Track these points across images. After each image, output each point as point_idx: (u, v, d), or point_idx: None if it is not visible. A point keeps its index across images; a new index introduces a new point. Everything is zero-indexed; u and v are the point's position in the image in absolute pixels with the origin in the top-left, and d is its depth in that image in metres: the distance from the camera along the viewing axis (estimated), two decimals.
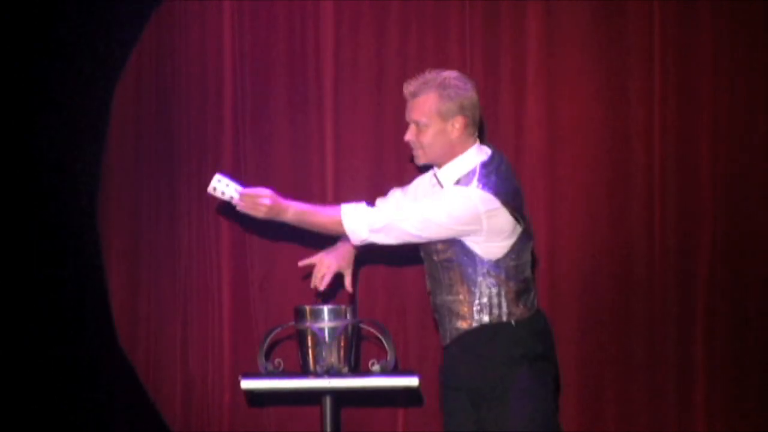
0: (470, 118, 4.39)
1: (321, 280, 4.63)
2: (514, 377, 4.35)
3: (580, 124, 5.75)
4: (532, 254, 4.49)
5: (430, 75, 4.41)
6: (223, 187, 4.38)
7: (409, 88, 4.42)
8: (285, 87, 5.76)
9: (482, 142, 4.45)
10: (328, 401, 4.52)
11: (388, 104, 5.73)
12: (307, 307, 4.54)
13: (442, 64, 5.68)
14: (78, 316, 5.72)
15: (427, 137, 4.42)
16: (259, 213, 4.39)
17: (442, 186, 4.44)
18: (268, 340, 4.56)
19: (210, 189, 4.40)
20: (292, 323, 4.57)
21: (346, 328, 4.51)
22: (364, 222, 4.38)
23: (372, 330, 4.63)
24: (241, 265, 5.76)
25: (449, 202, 4.33)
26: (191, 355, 5.76)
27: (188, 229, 5.76)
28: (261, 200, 4.37)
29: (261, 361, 4.52)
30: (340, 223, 4.40)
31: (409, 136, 4.45)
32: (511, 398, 4.34)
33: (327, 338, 4.48)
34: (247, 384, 4.48)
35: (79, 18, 5.66)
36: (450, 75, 4.41)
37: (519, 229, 4.37)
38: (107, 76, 5.76)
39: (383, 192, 5.71)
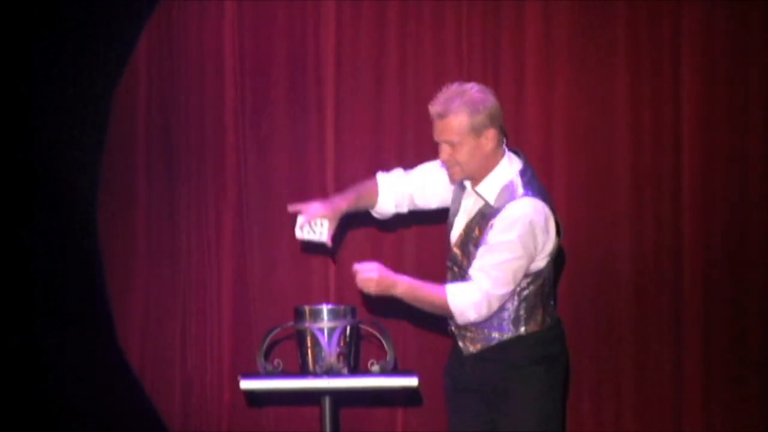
0: (500, 128, 4.38)
1: (305, 225, 4.57)
2: (529, 378, 4.36)
3: (578, 125, 5.75)
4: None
5: (452, 92, 4.36)
6: (310, 233, 4.37)
7: (436, 108, 4.35)
8: (285, 87, 5.77)
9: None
10: (327, 401, 4.52)
11: (388, 105, 5.73)
12: (307, 308, 4.54)
13: (442, 64, 5.70)
14: (78, 316, 5.72)
15: (464, 155, 4.37)
16: (368, 289, 4.38)
17: (485, 200, 4.40)
18: (268, 340, 4.56)
19: (298, 235, 4.39)
20: (291, 323, 4.57)
21: (345, 328, 4.51)
22: (468, 304, 4.33)
23: (371, 330, 4.63)
24: (240, 265, 5.76)
25: (512, 231, 4.28)
26: (190, 355, 5.76)
27: (188, 229, 5.76)
28: (368, 275, 4.35)
29: (260, 361, 4.52)
30: (446, 304, 4.35)
31: (444, 156, 4.39)
32: (522, 398, 4.35)
33: (326, 338, 4.48)
34: (246, 384, 4.48)
35: (79, 18, 5.66)
36: (472, 89, 4.38)
37: (556, 240, 4.37)
38: (107, 76, 5.77)
39: None
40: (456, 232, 4.50)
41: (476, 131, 4.35)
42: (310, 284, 5.75)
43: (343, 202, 4.63)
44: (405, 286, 4.40)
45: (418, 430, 5.78)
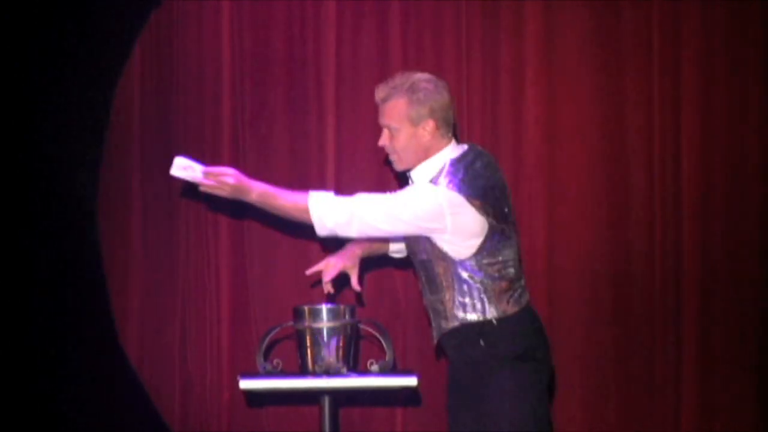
0: (441, 120, 4.39)
1: (328, 283, 4.63)
2: (493, 378, 4.34)
3: (578, 123, 5.76)
4: (519, 252, 4.47)
5: (399, 79, 4.41)
6: (184, 167, 4.36)
7: (379, 93, 4.41)
8: (284, 87, 5.77)
9: (459, 142, 4.44)
10: (326, 401, 4.53)
11: None
12: (306, 308, 4.55)
13: (441, 64, 5.71)
14: (78, 316, 5.72)
15: (400, 142, 4.42)
16: (224, 192, 4.37)
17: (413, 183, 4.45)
18: (267, 340, 4.56)
19: (172, 171, 4.38)
20: (290, 323, 4.57)
21: (344, 328, 4.51)
22: (330, 211, 4.34)
23: (371, 330, 4.64)
24: (239, 265, 5.77)
25: (415, 199, 4.33)
26: (190, 354, 5.77)
27: (187, 228, 5.77)
28: (225, 178, 4.35)
29: (260, 361, 4.52)
30: (306, 210, 4.36)
31: (383, 141, 4.45)
32: (490, 399, 4.33)
33: (326, 338, 4.48)
34: (245, 384, 4.48)
35: (79, 18, 5.66)
36: (420, 78, 4.40)
37: (488, 228, 4.34)
38: (107, 76, 5.77)
39: (382, 191, 5.73)
40: None
41: (413, 120, 4.38)
42: (309, 284, 5.75)
43: (358, 249, 4.70)
44: (260, 190, 4.37)
45: (418, 430, 5.78)
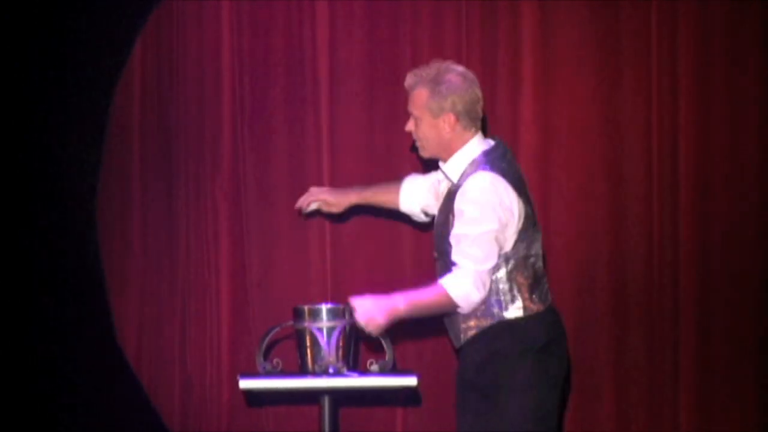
0: (462, 114, 4.37)
1: (306, 202, 4.71)
2: (517, 370, 4.34)
3: (576, 122, 5.76)
4: (543, 252, 4.47)
5: (428, 69, 4.41)
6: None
7: (407, 80, 4.44)
8: (282, 87, 5.77)
9: (486, 136, 4.45)
10: (326, 401, 4.53)
11: (385, 104, 5.74)
12: (306, 307, 4.55)
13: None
14: (77, 316, 5.72)
15: (422, 131, 4.43)
16: (378, 328, 4.36)
17: (450, 180, 4.43)
18: (267, 339, 4.56)
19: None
20: (290, 323, 4.57)
21: (344, 327, 4.51)
22: (470, 285, 4.29)
23: None
24: (239, 264, 5.77)
25: (474, 206, 4.29)
26: (190, 354, 5.77)
27: (187, 228, 5.77)
28: (373, 319, 4.32)
29: (259, 360, 4.52)
30: (450, 298, 4.31)
31: (408, 126, 4.47)
32: (511, 391, 4.33)
33: (325, 338, 4.48)
34: (245, 384, 4.48)
35: (78, 18, 5.66)
36: (448, 70, 4.40)
37: (524, 216, 4.33)
38: (107, 76, 5.77)
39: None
40: (436, 219, 4.54)
41: (433, 112, 4.38)
42: (309, 284, 5.75)
43: (353, 196, 4.75)
44: (405, 306, 4.34)
45: (418, 430, 5.78)
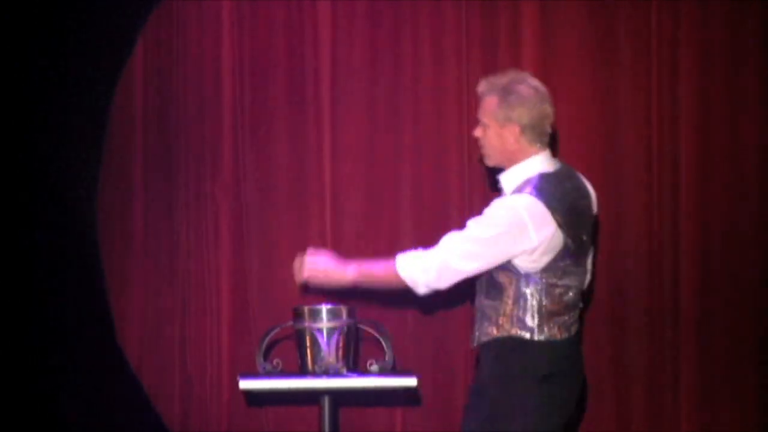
0: (528, 128, 4.36)
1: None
2: (523, 391, 4.32)
3: (576, 122, 5.76)
4: (584, 284, 4.44)
5: (502, 77, 4.41)
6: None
7: (479, 86, 4.45)
8: (283, 87, 5.77)
9: (555, 155, 4.44)
10: (326, 401, 4.53)
11: (385, 104, 5.74)
12: (306, 308, 4.55)
13: (440, 62, 5.70)
14: (77, 316, 5.72)
15: (488, 138, 4.42)
16: (319, 280, 4.42)
17: (503, 192, 4.42)
18: (267, 340, 4.57)
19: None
20: (290, 323, 4.58)
21: (344, 328, 4.51)
22: (418, 272, 4.32)
23: (370, 330, 4.64)
24: (239, 265, 5.77)
25: (491, 215, 4.30)
26: (190, 354, 5.77)
27: (187, 229, 5.77)
28: (313, 267, 4.39)
29: (259, 360, 4.53)
30: (398, 276, 4.34)
31: (476, 132, 4.47)
32: (514, 411, 4.31)
33: (325, 338, 4.49)
34: (245, 384, 4.49)
35: (78, 18, 5.67)
36: (520, 80, 4.39)
37: (562, 246, 4.30)
38: (107, 76, 5.77)
39: (379, 192, 5.74)
40: None
41: (500, 121, 4.37)
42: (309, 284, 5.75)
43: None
44: (353, 275, 4.40)
45: (418, 430, 5.78)
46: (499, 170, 4.47)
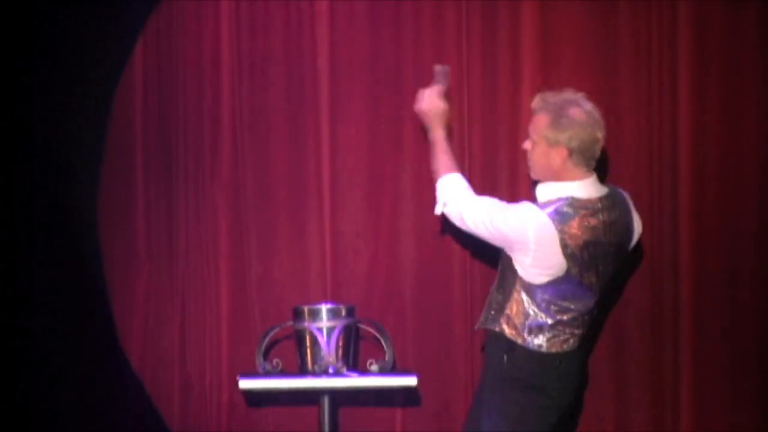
0: (576, 152, 4.40)
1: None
2: (501, 396, 4.35)
3: None
4: (593, 312, 4.51)
5: (556, 96, 4.46)
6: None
7: (533, 102, 4.52)
8: (282, 87, 5.76)
9: (605, 182, 4.52)
10: (326, 401, 4.54)
11: (385, 104, 5.73)
12: (306, 307, 4.56)
13: (440, 61, 5.69)
14: (77, 316, 5.72)
15: (535, 154, 4.49)
16: (429, 116, 4.73)
17: (536, 198, 4.50)
18: (267, 339, 4.57)
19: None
20: (290, 323, 4.59)
21: (344, 327, 4.52)
22: (446, 197, 4.53)
23: (370, 330, 4.64)
24: (239, 264, 5.76)
25: (512, 210, 4.41)
26: (189, 354, 5.76)
27: (186, 228, 5.76)
28: (435, 104, 4.71)
29: (259, 360, 4.53)
30: (436, 181, 4.60)
31: (525, 145, 4.55)
32: (493, 412, 4.34)
33: (325, 338, 4.49)
34: (245, 384, 4.50)
35: (78, 18, 5.66)
36: (575, 102, 4.43)
37: (565, 272, 4.36)
38: (107, 76, 5.76)
39: (379, 191, 5.73)
40: None
41: (549, 141, 4.41)
42: (308, 284, 5.75)
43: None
44: (437, 141, 4.70)
45: (418, 430, 5.78)
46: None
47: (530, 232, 4.30)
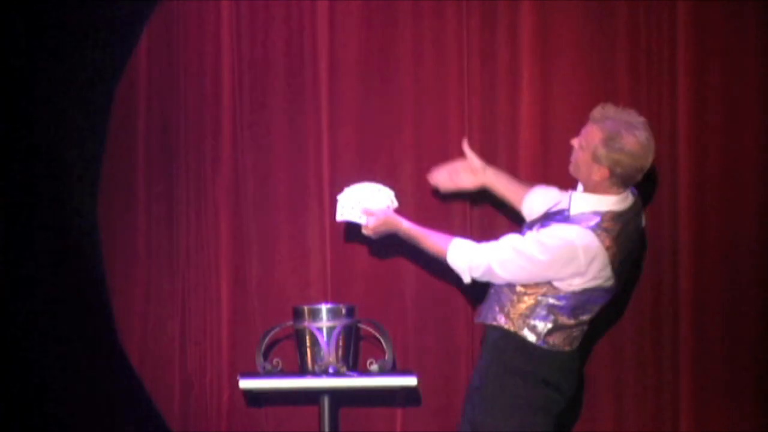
0: (618, 175, 4.40)
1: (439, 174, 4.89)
2: (523, 395, 4.36)
3: (575, 122, 5.74)
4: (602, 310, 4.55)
5: (618, 113, 4.44)
6: (347, 210, 4.44)
7: (594, 113, 4.48)
8: (282, 86, 5.76)
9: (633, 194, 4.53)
10: (326, 401, 4.54)
11: (385, 104, 5.74)
12: (306, 307, 4.56)
13: (439, 61, 5.70)
14: (78, 316, 5.72)
15: (579, 159, 4.50)
16: (374, 228, 4.53)
17: (570, 203, 4.48)
18: (267, 339, 4.58)
19: (338, 216, 4.46)
20: (290, 323, 4.59)
21: (344, 327, 4.52)
22: (466, 264, 4.41)
23: (370, 330, 4.65)
24: (239, 264, 5.76)
25: (550, 241, 4.35)
26: (190, 354, 5.76)
27: (187, 228, 5.76)
28: (374, 219, 4.50)
29: (259, 360, 4.53)
30: (446, 258, 4.45)
31: (574, 142, 4.54)
32: (499, 410, 4.36)
33: (325, 338, 4.49)
34: (245, 383, 4.50)
35: (79, 18, 5.66)
36: (632, 127, 4.40)
37: (603, 282, 4.39)
38: (107, 76, 5.76)
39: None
40: (528, 224, 4.61)
41: (595, 156, 4.40)
42: (309, 283, 5.75)
43: (494, 179, 4.91)
44: (410, 227, 4.54)
45: (418, 430, 5.78)
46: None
47: (580, 255, 4.31)
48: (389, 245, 5.75)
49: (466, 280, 4.44)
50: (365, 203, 4.42)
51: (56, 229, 5.71)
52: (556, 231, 4.38)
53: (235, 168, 5.76)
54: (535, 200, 4.82)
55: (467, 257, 4.39)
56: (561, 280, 4.35)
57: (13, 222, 5.65)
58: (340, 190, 5.69)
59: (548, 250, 4.32)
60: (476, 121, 5.73)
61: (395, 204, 4.45)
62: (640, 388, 5.76)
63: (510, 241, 4.40)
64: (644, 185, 5.74)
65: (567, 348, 4.44)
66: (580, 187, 4.59)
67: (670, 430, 5.75)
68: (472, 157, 4.89)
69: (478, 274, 4.39)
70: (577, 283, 4.37)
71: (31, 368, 5.65)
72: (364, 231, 4.49)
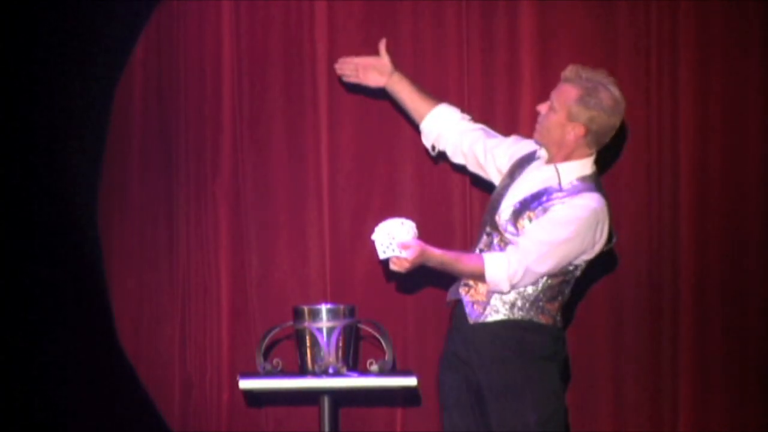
0: (593, 134, 4.40)
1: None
2: (541, 373, 4.40)
3: None
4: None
5: (591, 74, 4.41)
6: (386, 247, 4.38)
7: (566, 71, 4.44)
8: (282, 87, 5.77)
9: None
10: (326, 401, 4.54)
11: (384, 103, 5.74)
12: (306, 307, 4.56)
13: (440, 62, 5.70)
14: (77, 316, 5.72)
15: (550, 121, 4.43)
16: (408, 263, 4.38)
17: (559, 179, 4.44)
18: (267, 339, 4.58)
19: (380, 255, 4.40)
20: (290, 323, 4.58)
21: (344, 327, 4.52)
22: (505, 274, 4.37)
23: (370, 330, 4.65)
24: (239, 264, 5.77)
25: (568, 215, 4.35)
26: (189, 354, 5.77)
27: (187, 228, 5.77)
28: (407, 254, 4.36)
29: (259, 360, 4.53)
30: (483, 275, 4.39)
31: (541, 107, 4.49)
32: (534, 394, 4.38)
33: (325, 338, 4.49)
34: (245, 384, 4.49)
35: (78, 18, 5.67)
36: (607, 87, 4.39)
37: (602, 247, 4.44)
38: (107, 76, 5.77)
39: (376, 194, 5.74)
40: (510, 202, 4.50)
41: (571, 114, 4.37)
42: (308, 284, 5.75)
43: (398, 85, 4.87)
44: (440, 257, 4.41)
45: (418, 430, 5.78)
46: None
47: (601, 217, 4.35)
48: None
49: (506, 290, 4.39)
50: (399, 238, 4.36)
51: (56, 228, 5.71)
52: (568, 206, 4.37)
53: (235, 168, 5.77)
54: (502, 155, 4.75)
55: (503, 268, 4.34)
56: (592, 249, 4.39)
57: (13, 222, 5.66)
58: (340, 190, 5.71)
59: (573, 226, 4.33)
60: (475, 120, 5.74)
61: (417, 234, 4.41)
62: (640, 388, 5.77)
63: (531, 236, 4.36)
64: (645, 185, 5.77)
65: (561, 320, 4.52)
66: (543, 153, 4.55)
67: (670, 430, 5.76)
68: (384, 57, 4.86)
69: (517, 279, 4.35)
70: (596, 250, 4.40)
71: (31, 368, 5.65)
72: (393, 266, 4.40)
